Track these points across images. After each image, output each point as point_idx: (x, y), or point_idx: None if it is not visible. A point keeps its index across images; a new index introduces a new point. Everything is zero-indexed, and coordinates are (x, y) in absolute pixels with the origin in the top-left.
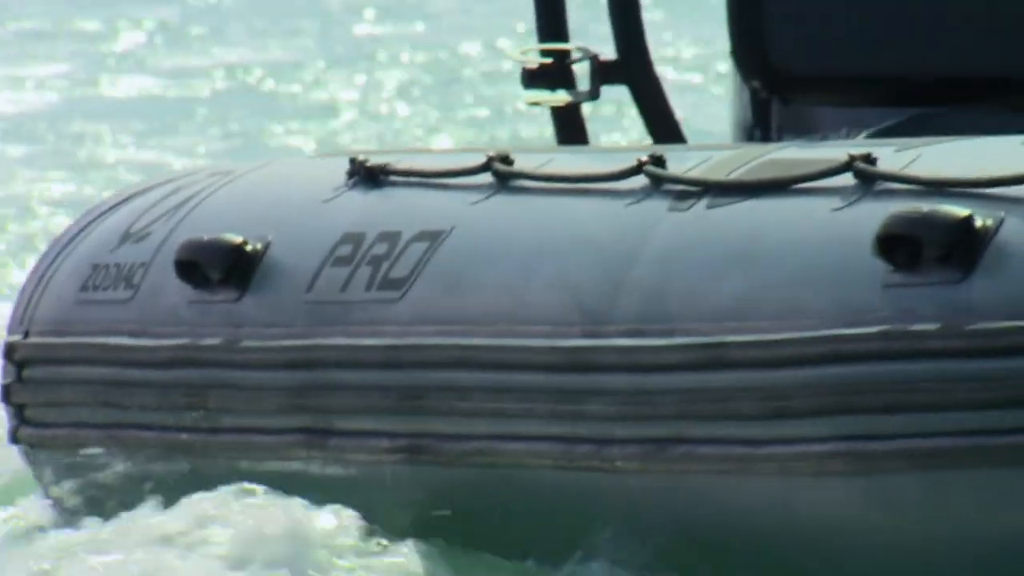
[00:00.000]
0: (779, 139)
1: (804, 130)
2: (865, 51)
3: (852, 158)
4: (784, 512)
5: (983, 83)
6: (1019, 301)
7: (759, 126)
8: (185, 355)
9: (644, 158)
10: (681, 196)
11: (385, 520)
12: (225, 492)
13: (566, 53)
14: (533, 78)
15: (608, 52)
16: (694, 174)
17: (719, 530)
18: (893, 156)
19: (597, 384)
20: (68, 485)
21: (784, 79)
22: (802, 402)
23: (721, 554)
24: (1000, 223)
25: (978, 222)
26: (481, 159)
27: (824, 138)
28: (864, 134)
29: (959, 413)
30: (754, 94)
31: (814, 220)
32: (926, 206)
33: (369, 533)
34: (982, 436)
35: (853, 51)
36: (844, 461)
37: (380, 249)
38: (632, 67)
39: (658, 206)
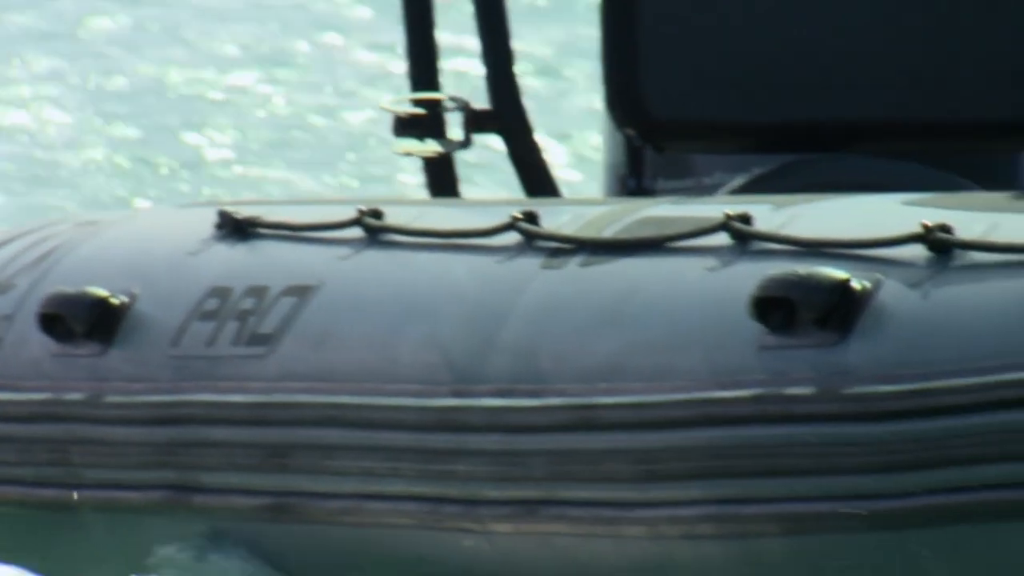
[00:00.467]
0: (652, 186)
1: (677, 177)
2: (738, 98)
3: (728, 217)
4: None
5: (855, 129)
6: (896, 364)
7: (632, 174)
8: (48, 410)
9: (517, 214)
10: (554, 253)
11: None
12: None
13: (438, 102)
14: (404, 127)
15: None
16: (568, 231)
17: None
18: (770, 214)
19: (466, 444)
20: None
21: (657, 127)
22: (674, 465)
23: None
24: (878, 285)
25: (855, 284)
26: (351, 212)
27: (698, 185)
28: (737, 180)
29: (833, 478)
30: (628, 142)
31: (688, 280)
32: (802, 268)
33: None
34: (856, 501)
35: (726, 99)
36: (716, 525)
37: (247, 304)
38: (505, 116)
39: (530, 263)
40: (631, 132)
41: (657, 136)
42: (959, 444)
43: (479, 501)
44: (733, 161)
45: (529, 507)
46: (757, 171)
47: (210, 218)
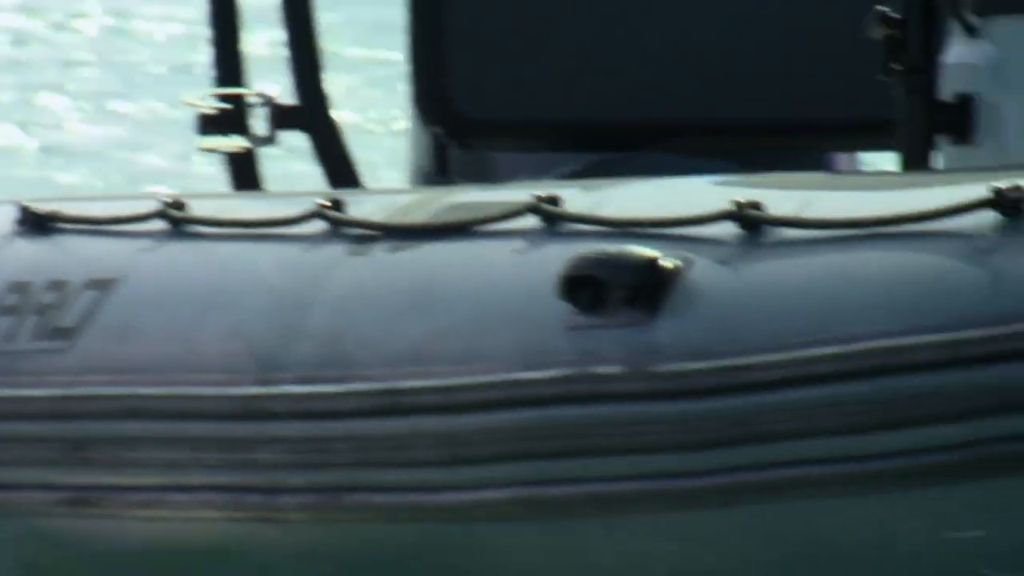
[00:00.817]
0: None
1: (484, 177)
2: (546, 97)
3: (537, 199)
4: (464, 559)
5: (659, 129)
6: (704, 342)
7: (438, 172)
8: None
9: (323, 202)
10: (360, 240)
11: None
12: None
13: (242, 98)
14: (208, 124)
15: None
16: (374, 218)
17: None
18: (579, 197)
19: (269, 432)
20: None
21: (464, 125)
22: (481, 448)
23: None
24: (687, 263)
25: (664, 263)
26: (154, 205)
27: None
28: (544, 180)
29: (642, 456)
30: (434, 140)
31: (496, 263)
32: (611, 247)
33: None
34: (665, 479)
35: (534, 97)
36: (524, 507)
37: (48, 298)
38: (311, 112)
39: (336, 251)
40: (438, 130)
41: (464, 134)
42: (767, 420)
43: (282, 489)
44: (539, 160)
45: (333, 494)
46: (562, 170)
47: (10, 214)
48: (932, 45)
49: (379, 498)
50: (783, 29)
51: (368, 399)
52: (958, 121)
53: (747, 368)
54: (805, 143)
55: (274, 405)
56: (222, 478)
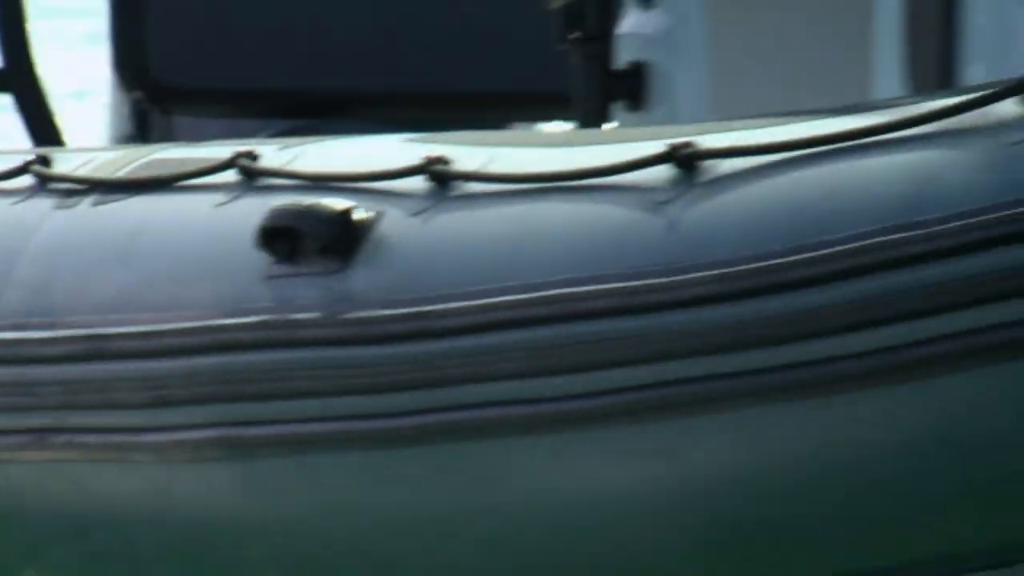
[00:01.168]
0: None
1: (184, 141)
2: (242, 66)
3: (236, 155)
4: (163, 499)
5: (351, 98)
6: (395, 290)
7: (138, 136)
8: None
9: (30, 158)
10: (67, 194)
11: None
12: None
13: None
14: None
15: None
16: (80, 173)
17: (100, 516)
18: (276, 154)
19: None
20: None
21: (164, 91)
22: (181, 391)
23: (99, 540)
24: (379, 215)
25: (357, 215)
26: None
27: None
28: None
29: (336, 399)
30: (134, 105)
31: (198, 215)
32: (306, 200)
33: None
34: (357, 421)
35: (230, 65)
36: (221, 448)
37: None
38: (17, 75)
39: (44, 205)
40: (138, 95)
41: (164, 100)
42: (452, 365)
43: None
44: (237, 127)
45: (39, 435)
46: (259, 136)
47: None
48: (608, 15)
49: (84, 439)
50: (465, 4)
51: (73, 344)
52: (632, 88)
53: (434, 315)
54: (486, 113)
55: None
56: None
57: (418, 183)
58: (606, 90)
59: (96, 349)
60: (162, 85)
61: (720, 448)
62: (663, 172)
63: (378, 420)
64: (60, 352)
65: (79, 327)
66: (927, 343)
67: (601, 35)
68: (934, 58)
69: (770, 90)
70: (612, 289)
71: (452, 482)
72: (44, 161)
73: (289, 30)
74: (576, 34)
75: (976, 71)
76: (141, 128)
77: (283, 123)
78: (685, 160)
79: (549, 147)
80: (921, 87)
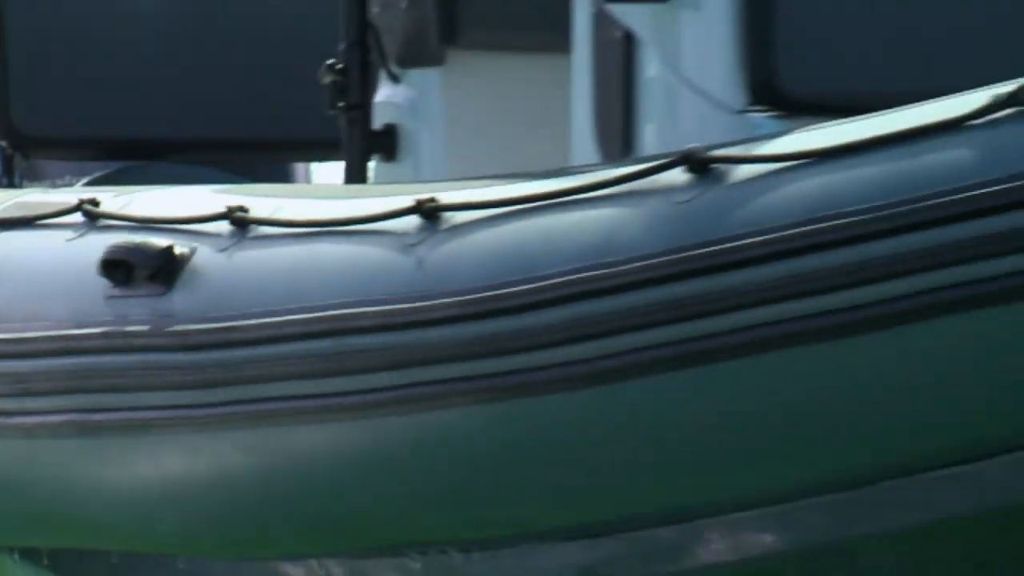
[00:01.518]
0: (21, 185)
1: (41, 178)
2: (88, 117)
3: (81, 201)
4: (30, 469)
5: (174, 143)
6: (207, 309)
7: (6, 175)
8: None
9: None
10: None
11: None
12: None
13: None
14: None
15: None
16: None
17: None
18: (113, 200)
19: None
20: None
21: (25, 140)
22: (43, 384)
23: None
24: (194, 250)
25: (177, 250)
26: None
27: (54, 185)
28: (84, 181)
29: (163, 392)
30: (1, 149)
31: (52, 248)
32: (137, 238)
33: None
34: (180, 410)
35: (79, 117)
36: (76, 428)
37: None
38: None
39: None
40: (3, 142)
41: (25, 147)
42: (251, 368)
43: None
44: (82, 167)
45: None
46: (98, 174)
47: None
48: (366, 87)
49: None
50: (263, 70)
51: None
52: (387, 145)
53: (237, 329)
54: (281, 156)
55: None
56: None
57: (223, 226)
58: (367, 146)
59: None
60: (23, 135)
61: (478, 437)
62: (412, 221)
63: (197, 409)
64: None
65: None
66: (618, 355)
67: (362, 103)
68: (617, 130)
69: (495, 149)
70: (375, 311)
71: (255, 459)
72: None
73: (122, 88)
74: (342, 102)
75: (650, 141)
76: (8, 169)
77: (117, 164)
78: (429, 212)
79: (325, 199)
80: (608, 153)
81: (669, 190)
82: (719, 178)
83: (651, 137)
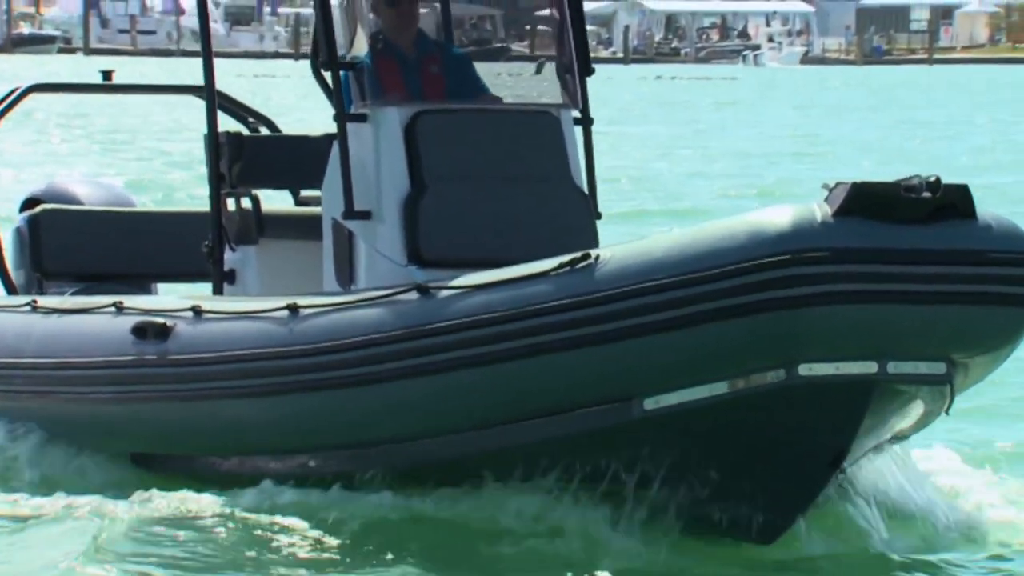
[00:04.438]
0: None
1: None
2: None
3: (116, 303)
4: None
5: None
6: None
7: None
8: None
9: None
10: (32, 310)
11: None
12: None
13: None
14: None
15: None
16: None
17: None
18: (130, 300)
19: None
20: None
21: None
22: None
23: None
24: (175, 324)
25: (168, 323)
26: None
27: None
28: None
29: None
30: None
31: (102, 323)
32: (146, 317)
33: None
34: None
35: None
36: None
37: None
38: None
39: (35, 315)
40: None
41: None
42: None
43: None
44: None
45: None
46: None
47: None
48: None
49: None
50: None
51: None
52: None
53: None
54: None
55: None
56: None
57: (189, 313)
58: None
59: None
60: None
61: None
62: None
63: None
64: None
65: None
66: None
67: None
68: (346, 277)
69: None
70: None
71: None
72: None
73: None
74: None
75: (362, 281)
76: None
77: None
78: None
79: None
80: (343, 287)
81: (406, 301)
82: (434, 294)
83: (363, 279)
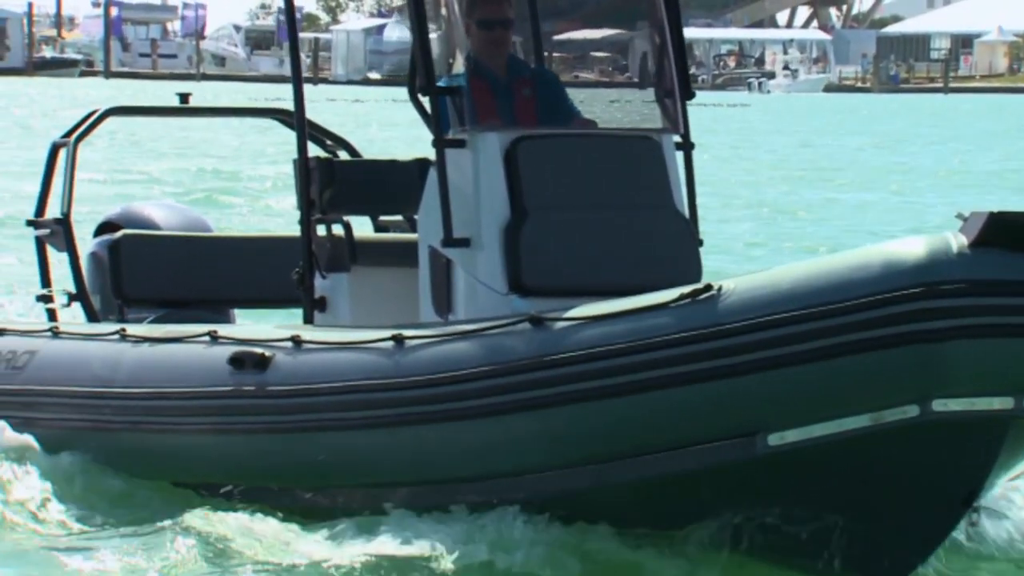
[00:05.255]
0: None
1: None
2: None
3: (211, 332)
4: None
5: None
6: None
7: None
8: None
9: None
10: (139, 341)
11: None
12: None
13: None
14: None
15: None
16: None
17: None
18: (223, 328)
19: None
20: None
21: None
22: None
23: None
24: (274, 355)
25: (267, 354)
26: None
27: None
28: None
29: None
30: None
31: (202, 353)
32: (245, 347)
33: None
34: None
35: None
36: None
37: None
38: None
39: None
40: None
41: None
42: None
43: None
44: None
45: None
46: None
47: None
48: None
49: None
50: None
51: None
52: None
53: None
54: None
55: None
56: None
57: (289, 344)
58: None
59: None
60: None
61: None
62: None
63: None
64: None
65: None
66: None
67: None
68: (443, 306)
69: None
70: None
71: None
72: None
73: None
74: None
75: (460, 312)
76: None
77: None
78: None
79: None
80: (441, 317)
81: (519, 333)
82: (549, 326)
83: (461, 308)
